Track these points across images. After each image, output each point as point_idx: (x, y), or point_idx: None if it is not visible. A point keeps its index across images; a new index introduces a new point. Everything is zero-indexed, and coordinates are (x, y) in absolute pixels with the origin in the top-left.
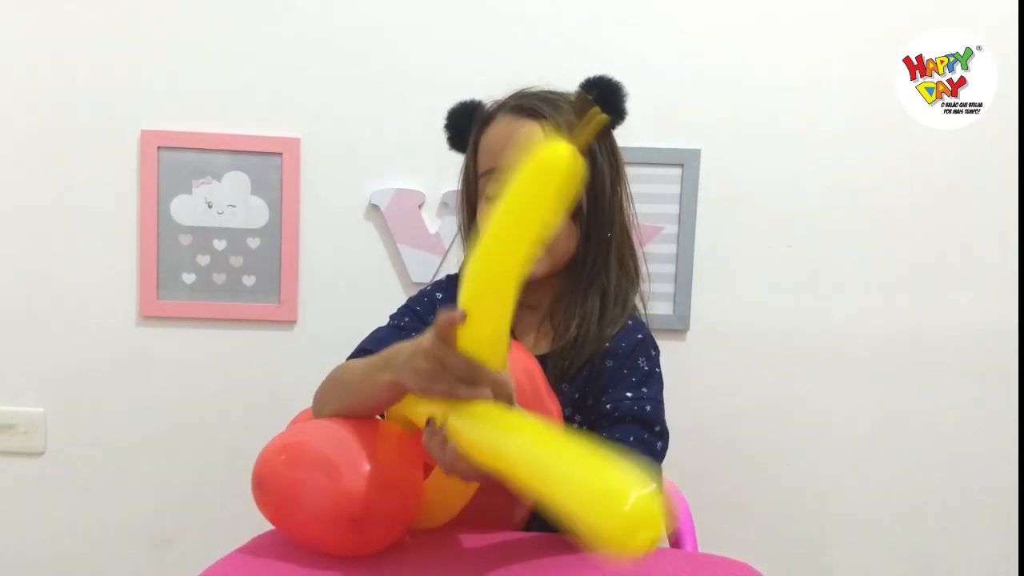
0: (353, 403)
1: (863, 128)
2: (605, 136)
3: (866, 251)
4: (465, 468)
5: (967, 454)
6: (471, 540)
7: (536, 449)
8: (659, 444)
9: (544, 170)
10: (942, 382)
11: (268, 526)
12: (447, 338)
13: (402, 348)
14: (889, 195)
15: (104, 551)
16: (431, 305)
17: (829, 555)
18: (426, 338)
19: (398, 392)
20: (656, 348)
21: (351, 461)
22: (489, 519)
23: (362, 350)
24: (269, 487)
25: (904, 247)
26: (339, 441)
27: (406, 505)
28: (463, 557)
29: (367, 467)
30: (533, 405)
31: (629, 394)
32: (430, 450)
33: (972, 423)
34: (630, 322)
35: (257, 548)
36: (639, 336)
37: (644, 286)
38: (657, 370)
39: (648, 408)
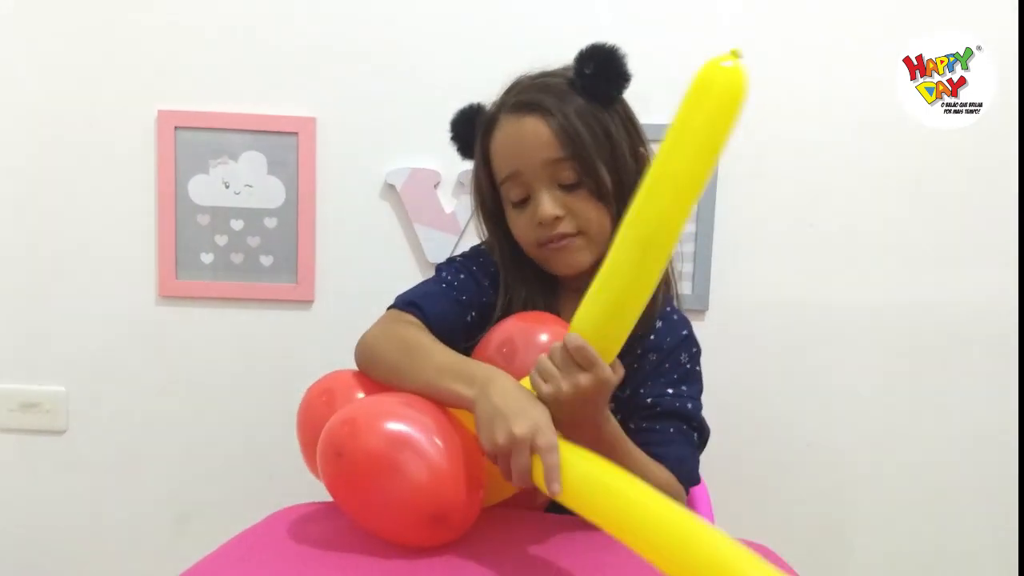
0: (414, 384)
1: (882, 108)
2: (617, 104)
3: (887, 230)
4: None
5: (989, 432)
6: (499, 519)
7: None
8: (696, 436)
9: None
10: (963, 360)
11: (284, 501)
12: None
13: (511, 394)
14: (910, 173)
15: (125, 527)
16: (486, 267)
17: (850, 534)
18: (528, 423)
19: (467, 409)
20: (698, 346)
21: (438, 450)
22: (514, 499)
23: (411, 303)
24: (351, 457)
25: (926, 226)
26: (423, 425)
27: (479, 498)
28: (492, 537)
29: (452, 458)
30: None
31: (670, 391)
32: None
33: (994, 401)
34: (675, 316)
35: (276, 523)
36: (684, 332)
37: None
38: (698, 368)
39: (689, 406)
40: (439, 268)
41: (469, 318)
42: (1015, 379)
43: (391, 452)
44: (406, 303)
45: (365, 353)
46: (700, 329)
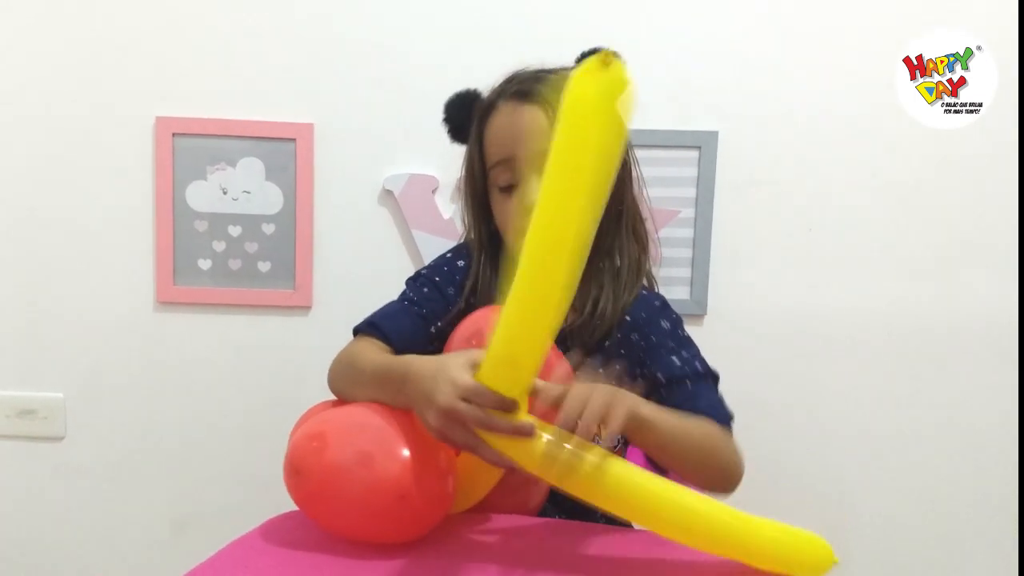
0: (366, 399)
1: (881, 113)
2: None
3: (886, 236)
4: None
5: (987, 441)
6: (490, 525)
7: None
8: (713, 382)
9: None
10: (961, 368)
11: (282, 509)
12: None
13: (420, 377)
14: (908, 179)
15: (122, 534)
16: (451, 275)
17: (847, 542)
18: (445, 392)
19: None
20: (677, 314)
21: (389, 445)
22: (506, 505)
23: (371, 324)
24: (307, 473)
25: (924, 232)
26: (374, 427)
27: (446, 483)
28: (482, 542)
29: (405, 448)
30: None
31: (676, 360)
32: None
33: (992, 410)
34: (644, 292)
35: (271, 530)
36: (657, 303)
37: (654, 255)
38: (683, 333)
39: (697, 365)
40: (406, 283)
41: (433, 329)
42: (1015, 383)
43: (338, 454)
44: (367, 324)
45: (331, 383)
46: (698, 334)
